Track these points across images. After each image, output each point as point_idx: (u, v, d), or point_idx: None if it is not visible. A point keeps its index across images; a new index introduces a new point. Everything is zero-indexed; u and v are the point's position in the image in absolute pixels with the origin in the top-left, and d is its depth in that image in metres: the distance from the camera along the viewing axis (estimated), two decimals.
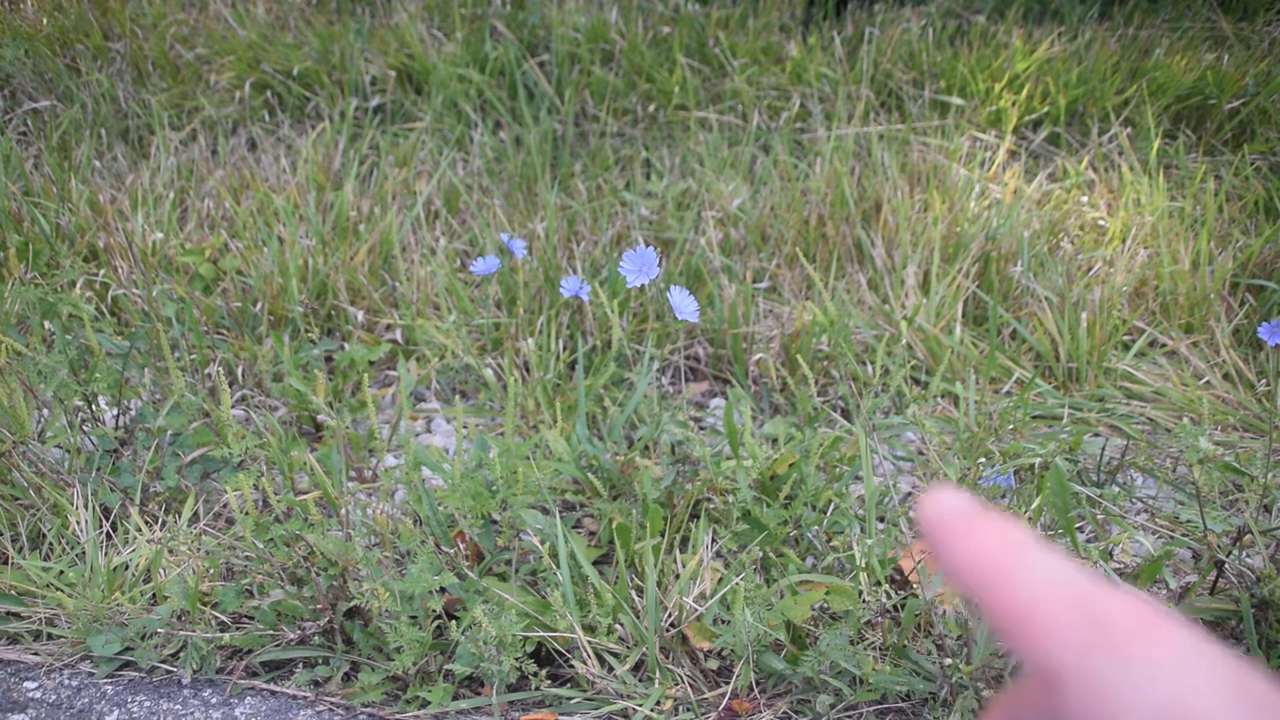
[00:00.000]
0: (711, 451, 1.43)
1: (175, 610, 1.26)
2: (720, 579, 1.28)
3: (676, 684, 1.20)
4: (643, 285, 1.54)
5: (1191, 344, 1.85)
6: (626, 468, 1.46)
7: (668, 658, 1.23)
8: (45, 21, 2.75)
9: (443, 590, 1.25)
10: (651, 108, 2.57)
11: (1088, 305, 1.85)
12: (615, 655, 1.22)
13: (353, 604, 1.22)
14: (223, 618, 1.28)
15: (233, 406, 1.75)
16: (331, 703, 1.22)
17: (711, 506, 1.42)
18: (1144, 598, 0.23)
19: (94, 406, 1.53)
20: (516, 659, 1.16)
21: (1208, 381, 1.77)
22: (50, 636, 1.31)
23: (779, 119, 2.52)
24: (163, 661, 1.26)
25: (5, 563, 1.38)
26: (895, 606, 1.29)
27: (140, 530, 1.39)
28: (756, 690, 1.22)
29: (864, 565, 1.23)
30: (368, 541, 1.36)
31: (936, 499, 0.27)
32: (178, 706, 1.20)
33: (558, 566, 1.25)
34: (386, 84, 2.59)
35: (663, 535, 1.36)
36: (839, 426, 1.69)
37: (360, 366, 1.76)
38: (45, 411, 1.53)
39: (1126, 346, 1.87)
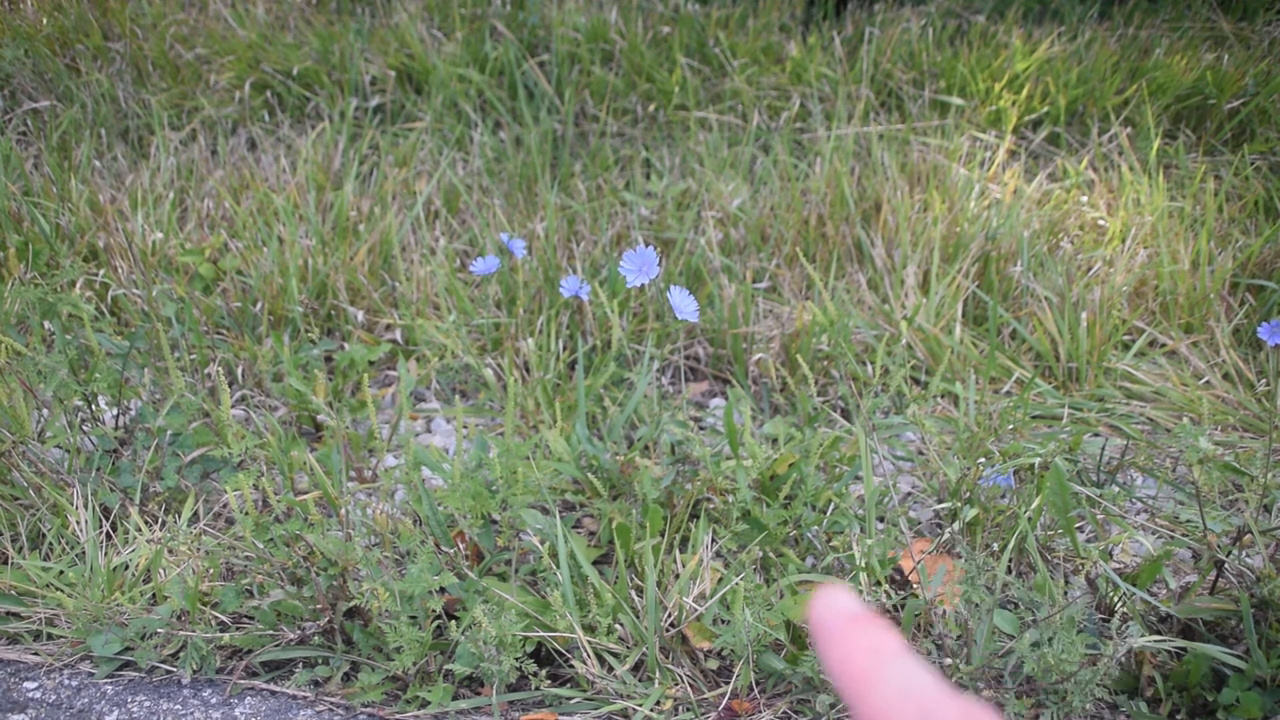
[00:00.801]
0: (711, 451, 1.43)
1: (175, 610, 1.26)
2: (720, 579, 1.28)
3: (676, 684, 1.20)
4: (643, 285, 1.54)
5: (1191, 344, 1.85)
6: (626, 468, 1.46)
7: (668, 658, 1.23)
8: (45, 21, 2.75)
9: (443, 590, 1.25)
10: (651, 108, 2.57)
11: (1088, 305, 1.85)
12: (615, 655, 1.22)
13: (353, 604, 1.22)
14: (223, 618, 1.28)
15: (233, 406, 1.75)
16: (331, 703, 1.22)
17: (711, 506, 1.42)
18: (977, 704, 0.28)
19: (94, 406, 1.53)
20: (516, 659, 1.16)
21: (1208, 381, 1.77)
22: (50, 636, 1.31)
23: (779, 119, 2.52)
24: (163, 661, 1.26)
25: (5, 563, 1.38)
26: (895, 606, 1.29)
27: (140, 530, 1.39)
28: (756, 690, 1.22)
29: (864, 565, 1.24)
30: (368, 541, 1.36)
31: (825, 599, 0.31)
32: (178, 706, 1.20)
33: (558, 566, 1.25)
34: (386, 84, 2.59)
35: (663, 535, 1.36)
36: (839, 426, 1.69)
37: (360, 366, 1.76)
38: (45, 411, 1.53)
39: (1126, 346, 1.87)
